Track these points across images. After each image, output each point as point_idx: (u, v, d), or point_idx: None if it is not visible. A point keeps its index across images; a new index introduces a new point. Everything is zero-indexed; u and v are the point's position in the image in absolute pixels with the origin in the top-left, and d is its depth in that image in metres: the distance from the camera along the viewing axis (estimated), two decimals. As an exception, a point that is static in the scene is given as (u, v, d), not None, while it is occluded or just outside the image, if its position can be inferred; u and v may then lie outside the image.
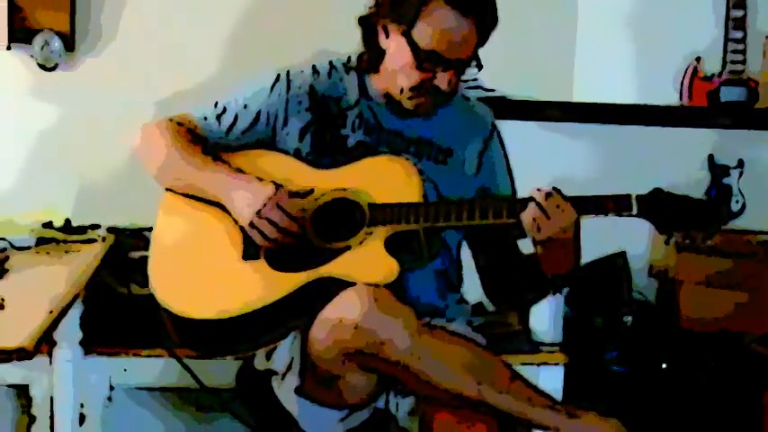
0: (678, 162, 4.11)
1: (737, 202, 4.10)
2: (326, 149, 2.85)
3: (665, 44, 4.08)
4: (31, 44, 3.73)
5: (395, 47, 2.78)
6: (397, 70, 2.79)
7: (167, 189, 2.88)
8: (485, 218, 2.69)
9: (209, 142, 2.88)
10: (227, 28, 3.88)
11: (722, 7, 4.02)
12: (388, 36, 2.79)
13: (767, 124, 4.10)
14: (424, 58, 2.72)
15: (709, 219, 2.71)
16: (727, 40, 4.03)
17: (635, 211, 2.65)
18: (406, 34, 2.72)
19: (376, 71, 2.88)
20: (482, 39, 2.75)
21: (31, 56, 3.75)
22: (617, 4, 4.07)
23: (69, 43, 3.76)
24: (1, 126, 3.81)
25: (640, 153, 4.10)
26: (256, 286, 2.67)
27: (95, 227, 3.47)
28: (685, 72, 4.06)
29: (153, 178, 2.89)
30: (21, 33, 3.73)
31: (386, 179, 2.77)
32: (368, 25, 2.85)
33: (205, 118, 2.91)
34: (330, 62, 2.96)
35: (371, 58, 2.86)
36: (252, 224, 2.68)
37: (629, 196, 2.66)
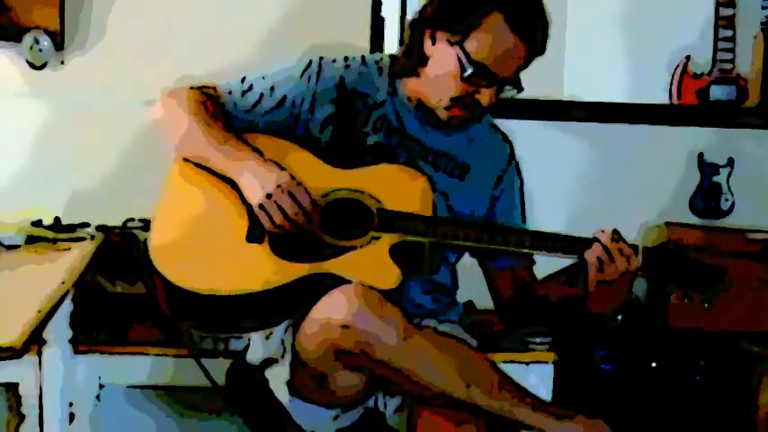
0: (668, 160, 4.12)
1: (727, 200, 4.11)
2: (345, 144, 2.84)
3: (655, 43, 4.08)
4: (20, 42, 3.72)
5: (441, 55, 2.75)
6: (439, 79, 2.76)
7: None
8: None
9: (231, 116, 2.87)
10: (217, 26, 3.88)
11: (711, 6, 4.03)
12: (434, 43, 2.76)
13: (757, 122, 4.11)
14: (472, 71, 2.70)
15: (710, 283, 2.71)
16: (716, 38, 4.04)
17: (639, 263, 2.67)
18: (459, 44, 2.71)
19: (414, 75, 2.85)
20: (526, 63, 2.75)
21: (21, 54, 3.74)
22: (607, 3, 4.07)
23: (59, 41, 3.75)
24: (-10, 124, 3.82)
25: (630, 151, 4.10)
26: (256, 270, 2.66)
27: (85, 225, 3.46)
28: (675, 70, 4.07)
29: (173, 148, 2.85)
30: (10, 31, 3.72)
31: (399, 188, 2.77)
32: (414, 30, 2.83)
33: (230, 92, 2.88)
34: (363, 57, 2.93)
35: (412, 62, 2.84)
36: (261, 205, 2.67)
37: (635, 247, 2.68)
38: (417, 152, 2.87)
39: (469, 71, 2.70)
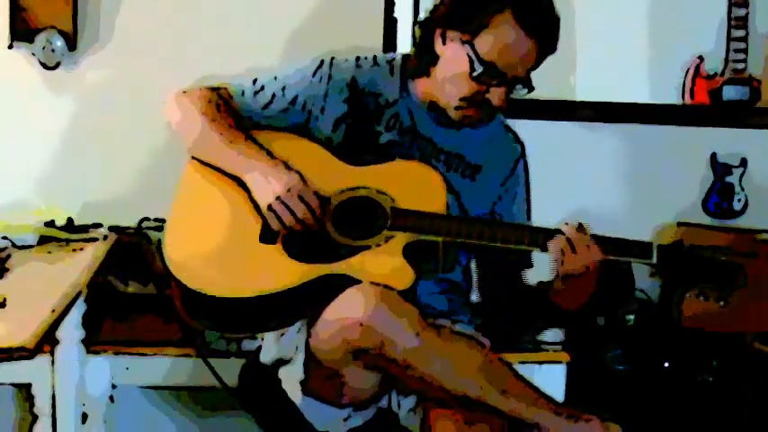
0: (681, 161, 4.11)
1: (739, 200, 4.10)
2: (358, 143, 2.84)
3: (668, 43, 4.08)
4: (33, 43, 3.72)
5: (451, 55, 2.76)
6: (450, 79, 2.77)
7: (193, 158, 2.87)
8: (507, 242, 2.69)
9: (243, 117, 2.88)
10: (230, 25, 3.88)
11: (724, 6, 4.02)
12: (445, 43, 2.77)
13: (769, 123, 4.11)
14: (482, 70, 2.71)
15: (726, 280, 2.69)
16: (729, 38, 4.03)
17: (654, 260, 2.65)
18: (469, 43, 2.71)
19: (425, 75, 2.86)
20: (537, 62, 2.75)
21: (33, 54, 3.74)
22: (618, 3, 4.06)
23: (71, 42, 3.75)
24: (3, 125, 3.81)
25: (643, 152, 4.10)
26: (269, 271, 2.66)
27: (97, 226, 3.47)
28: (687, 71, 4.06)
29: (187, 150, 2.87)
30: (23, 32, 3.72)
31: (413, 185, 2.76)
32: (425, 29, 2.84)
33: (242, 93, 2.90)
34: (374, 57, 2.94)
35: (423, 62, 2.85)
36: (270, 206, 2.68)
37: (650, 245, 2.66)
38: (429, 152, 2.87)
39: (479, 70, 2.70)
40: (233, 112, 2.87)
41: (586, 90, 4.05)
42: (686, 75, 4.07)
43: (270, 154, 2.76)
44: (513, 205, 2.96)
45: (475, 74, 2.71)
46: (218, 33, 3.86)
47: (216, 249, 2.72)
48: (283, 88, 2.87)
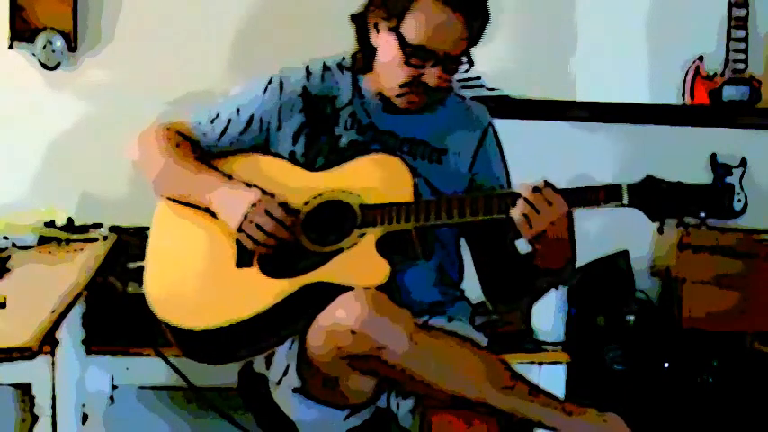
0: (681, 161, 4.11)
1: (740, 200, 4.10)
2: (320, 150, 2.84)
3: (668, 44, 4.08)
4: (33, 43, 3.73)
5: (384, 43, 2.76)
6: (387, 67, 2.77)
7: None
8: (475, 214, 2.66)
9: (204, 148, 2.89)
10: (229, 27, 3.88)
11: (724, 6, 4.02)
12: (378, 33, 2.78)
13: (770, 123, 4.12)
14: (411, 54, 2.70)
15: (702, 203, 2.64)
16: (729, 39, 4.03)
17: (626, 201, 2.58)
18: (395, 29, 2.71)
19: (370, 70, 2.86)
20: (472, 36, 2.73)
21: (34, 54, 3.75)
22: (619, 4, 4.07)
23: (72, 42, 3.76)
24: (3, 125, 3.81)
25: (643, 152, 4.10)
26: (249, 295, 2.65)
27: (97, 226, 3.47)
28: (688, 71, 4.06)
29: (152, 188, 2.89)
30: (23, 32, 3.73)
31: (378, 178, 2.75)
32: (360, 23, 2.84)
33: (198, 123, 2.91)
34: (324, 63, 2.94)
35: (364, 56, 2.85)
36: (240, 228, 2.68)
37: (619, 186, 2.60)
38: (392, 144, 2.85)
39: (408, 54, 2.70)
40: (193, 145, 2.88)
41: (586, 90, 4.05)
42: (686, 75, 4.07)
43: (229, 177, 2.77)
44: (490, 173, 2.93)
45: (406, 58, 2.72)
46: (219, 33, 3.86)
47: (197, 284, 2.73)
48: (237, 111, 2.88)
